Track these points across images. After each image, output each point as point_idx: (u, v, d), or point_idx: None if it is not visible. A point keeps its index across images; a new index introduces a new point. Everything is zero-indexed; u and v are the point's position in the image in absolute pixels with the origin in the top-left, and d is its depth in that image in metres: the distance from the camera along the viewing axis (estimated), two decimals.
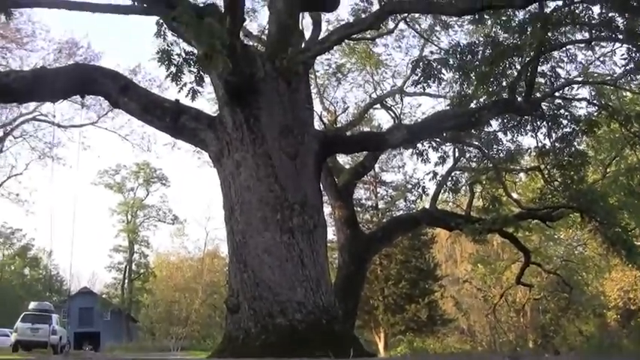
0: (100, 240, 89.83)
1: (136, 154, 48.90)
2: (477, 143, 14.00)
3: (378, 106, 19.30)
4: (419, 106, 19.01)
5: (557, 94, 11.84)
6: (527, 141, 27.67)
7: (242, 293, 8.46)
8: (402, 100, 18.56)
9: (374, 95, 19.90)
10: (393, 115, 18.36)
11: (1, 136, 25.97)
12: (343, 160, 22.23)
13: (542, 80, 11.52)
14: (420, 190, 16.13)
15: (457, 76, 11.55)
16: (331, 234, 18.17)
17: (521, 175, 18.22)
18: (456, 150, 15.09)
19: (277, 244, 8.54)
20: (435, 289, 25.73)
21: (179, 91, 9.54)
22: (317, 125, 17.14)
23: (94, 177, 49.91)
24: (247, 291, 8.41)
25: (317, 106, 18.79)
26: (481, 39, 11.54)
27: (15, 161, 33.72)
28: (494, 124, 12.87)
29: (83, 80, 9.80)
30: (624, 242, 11.71)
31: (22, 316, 23.41)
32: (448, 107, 13.55)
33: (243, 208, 8.87)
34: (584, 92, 13.37)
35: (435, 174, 14.73)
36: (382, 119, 32.14)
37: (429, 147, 13.84)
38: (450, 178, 15.76)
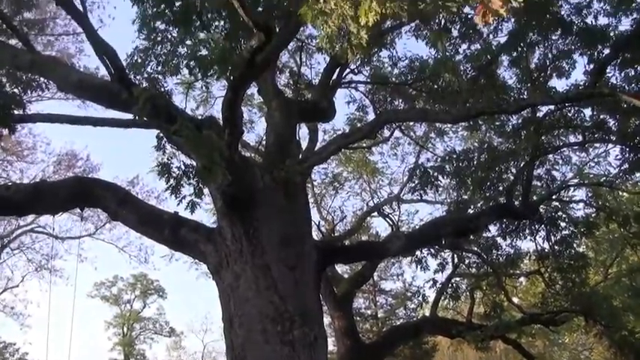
0: (95, 354, 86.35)
1: (133, 265, 48.01)
2: (475, 249, 13.87)
3: (375, 214, 19.16)
4: (416, 212, 19.10)
5: (554, 196, 11.76)
6: (527, 245, 27.38)
7: None
8: (399, 207, 18.48)
9: (371, 203, 19.98)
10: (390, 222, 18.15)
11: None
12: (342, 269, 22.02)
13: (538, 183, 11.57)
14: (420, 298, 15.71)
15: (454, 182, 11.69)
16: (331, 345, 17.54)
17: (522, 279, 17.84)
18: (455, 256, 14.87)
19: (278, 358, 8.06)
20: None
21: (178, 204, 9.27)
22: (315, 235, 17.06)
23: (90, 289, 48.62)
24: None
25: (315, 216, 18.80)
26: (476, 144, 11.75)
27: (11, 273, 33.08)
28: (493, 229, 12.78)
29: (83, 193, 9.65)
30: (632, 346, 11.16)
31: None
32: (446, 213, 13.53)
33: (243, 320, 8.46)
34: (581, 194, 13.47)
35: (435, 281, 14.61)
36: (380, 227, 32.09)
37: (427, 254, 13.72)
38: (449, 285, 15.39)
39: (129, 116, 8.98)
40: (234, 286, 8.71)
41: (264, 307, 8.42)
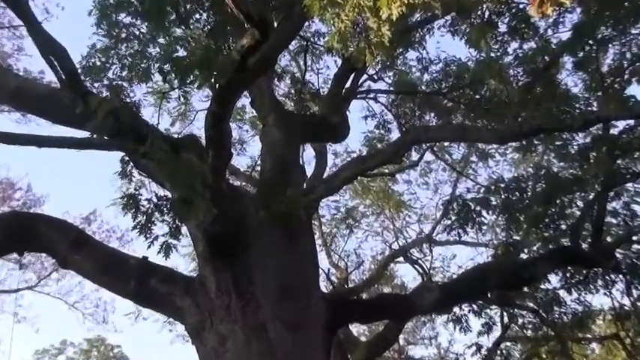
0: None
1: (88, 327, 47.03)
2: (532, 305, 13.60)
3: (400, 259, 19.00)
4: (453, 257, 18.48)
5: (634, 237, 11.43)
6: (600, 300, 26.97)
7: None
8: (431, 250, 18.35)
9: (395, 245, 19.82)
10: (420, 270, 18.03)
11: None
12: (358, 330, 21.70)
13: (613, 221, 11.32)
14: None
15: (502, 219, 11.52)
16: None
17: (595, 345, 17.49)
18: (505, 315, 14.60)
19: None
20: None
21: (149, 246, 9.17)
22: (324, 285, 16.91)
23: (29, 358, 48.01)
24: None
25: (323, 261, 18.62)
26: (530, 170, 11.51)
27: None
28: (554, 280, 12.38)
29: (22, 233, 9.37)
30: None
31: None
32: (491, 259, 13.28)
33: None
34: None
35: (479, 347, 14.20)
36: (407, 276, 31.88)
37: (469, 311, 13.42)
38: (498, 352, 15.02)
39: (85, 134, 8.87)
40: (219, 351, 8.47)
41: None
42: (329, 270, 18.38)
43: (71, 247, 9.19)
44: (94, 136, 8.61)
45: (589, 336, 15.04)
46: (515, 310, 14.07)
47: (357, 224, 19.89)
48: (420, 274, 18.07)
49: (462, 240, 15.17)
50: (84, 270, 9.72)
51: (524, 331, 14.89)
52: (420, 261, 18.44)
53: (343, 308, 10.62)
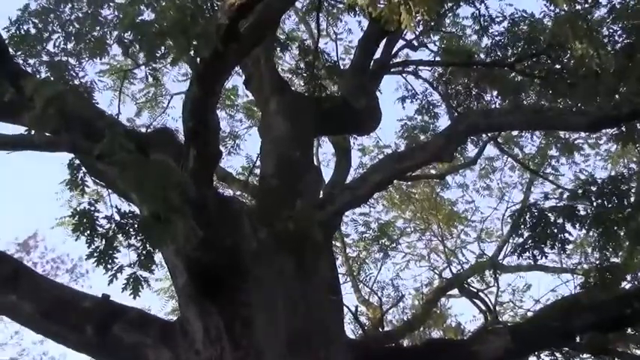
0: None
1: None
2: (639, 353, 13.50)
3: (455, 291, 19.06)
4: (528, 288, 18.22)
5: None
6: None
7: None
8: (496, 279, 18.27)
9: (447, 273, 19.90)
10: (482, 306, 17.96)
11: None
12: None
13: None
14: None
15: (594, 235, 11.28)
16: None
17: None
18: None
19: None
20: None
21: (111, 281, 9.20)
22: (350, 330, 16.85)
23: None
24: None
25: (350, 297, 18.61)
26: (633, 167, 11.38)
27: None
28: None
29: None
30: None
31: None
32: (580, 289, 13.08)
33: None
34: None
35: None
36: (465, 314, 31.74)
37: None
38: None
39: (20, 130, 9.04)
40: None
41: None
42: (357, 308, 18.21)
43: (5, 284, 9.37)
44: (32, 132, 8.77)
45: None
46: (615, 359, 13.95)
47: (394, 245, 19.97)
48: (482, 312, 18.05)
49: (540, 264, 15.12)
50: (21, 315, 9.83)
51: None
52: (481, 294, 18.42)
53: None
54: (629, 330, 12.34)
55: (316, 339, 9.01)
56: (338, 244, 18.22)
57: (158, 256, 9.51)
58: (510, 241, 14.98)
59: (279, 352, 8.65)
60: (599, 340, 12.55)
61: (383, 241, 19.24)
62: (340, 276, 16.49)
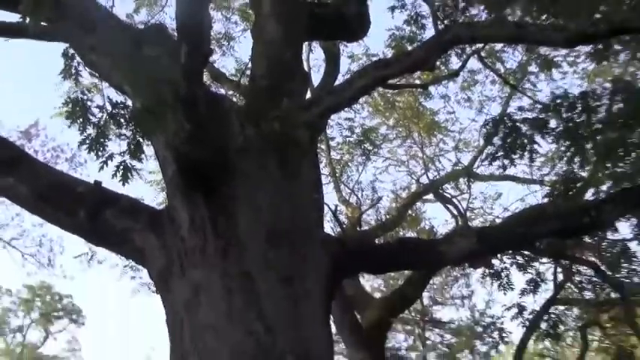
0: None
1: (29, 270, 46.93)
2: (593, 259, 13.67)
3: (430, 196, 19.21)
4: (498, 197, 18.56)
5: None
6: None
7: None
8: (469, 187, 18.51)
9: (424, 179, 19.93)
10: (454, 211, 18.26)
11: None
12: (372, 284, 22.05)
13: None
14: (495, 334, 15.72)
15: (562, 148, 11.08)
16: None
17: None
18: (558, 270, 14.95)
19: None
20: None
21: (101, 168, 9.04)
22: (330, 227, 17.03)
23: None
24: None
25: (331, 196, 18.69)
26: (607, 85, 11.23)
27: None
28: (624, 229, 12.36)
29: None
30: None
31: None
32: (547, 199, 13.08)
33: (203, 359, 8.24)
34: None
35: (522, 309, 14.50)
36: (438, 218, 32.57)
37: (512, 264, 13.57)
38: (547, 317, 15.23)
39: (15, 17, 8.61)
40: (191, 303, 8.44)
41: (238, 339, 8.14)
42: (337, 207, 18.56)
43: (5, 169, 9.27)
44: (26, 20, 8.44)
45: None
46: (573, 265, 14.28)
47: (376, 150, 20.00)
48: (454, 217, 18.36)
49: (510, 175, 15.23)
50: (21, 197, 9.65)
51: (582, 293, 15.16)
52: (455, 200, 18.71)
53: (350, 255, 10.54)
54: (586, 238, 12.48)
55: (296, 235, 8.89)
56: (323, 146, 18.49)
57: (149, 149, 9.37)
58: (485, 151, 14.93)
59: (260, 244, 8.49)
60: (558, 246, 12.63)
61: (366, 145, 19.26)
62: (323, 177, 16.73)
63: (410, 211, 19.11)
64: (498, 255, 12.91)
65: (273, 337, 8.16)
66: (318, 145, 17.03)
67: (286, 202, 9.02)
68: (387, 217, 19.05)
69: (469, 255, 11.11)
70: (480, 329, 20.84)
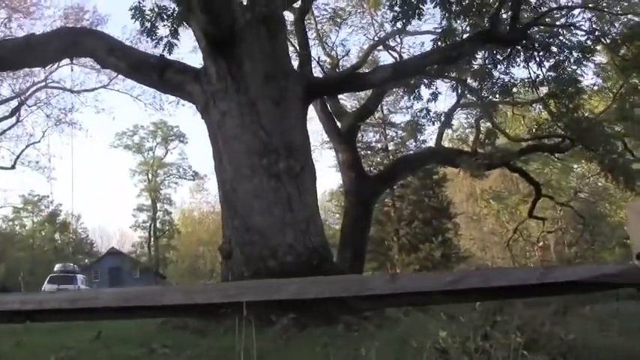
0: (125, 200, 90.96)
1: (149, 113, 48.28)
2: (457, 76, 13.84)
3: (380, 47, 19.01)
4: (422, 45, 18.38)
5: (547, 19, 11.48)
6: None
7: (234, 239, 8.77)
8: (401, 41, 18.30)
9: (376, 38, 19.41)
10: (396, 56, 18.08)
11: (16, 106, 26.07)
12: (351, 104, 22.27)
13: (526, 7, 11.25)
14: (413, 126, 15.87)
15: (441, 10, 11.14)
16: (339, 178, 18.32)
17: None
18: (459, 87, 14.82)
19: (265, 190, 8.76)
20: (449, 227, 25.92)
21: (155, 46, 9.98)
22: (318, 72, 17.18)
23: (112, 139, 50.01)
24: (239, 237, 8.72)
25: (318, 52, 18.76)
26: None
27: (32, 129, 34.28)
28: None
29: (73, 44, 10.11)
30: (621, 168, 11.67)
31: (48, 278, 24.03)
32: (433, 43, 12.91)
33: (231, 156, 9.10)
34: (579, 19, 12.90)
35: (428, 111, 14.57)
36: (387, 61, 31.68)
37: (421, 84, 13.49)
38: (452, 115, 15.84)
39: None
40: (221, 123, 9.24)
41: (250, 142, 8.98)
42: (319, 59, 18.39)
43: (108, 52, 9.84)
44: None
45: (522, 100, 15.13)
46: (458, 83, 14.27)
47: (344, 22, 19.52)
48: (394, 59, 18.04)
49: (428, 30, 15.06)
50: (119, 68, 10.38)
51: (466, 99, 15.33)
52: (395, 48, 18.53)
53: (315, 86, 11.20)
54: (466, 66, 12.37)
55: (279, 76, 9.46)
56: (311, 21, 18.09)
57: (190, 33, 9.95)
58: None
59: (259, 83, 9.17)
60: (441, 70, 12.53)
61: (336, 19, 19.15)
62: (311, 39, 16.67)
63: (370, 58, 18.68)
64: (405, 79, 12.60)
65: (270, 138, 9.00)
66: (309, 20, 17.00)
67: (272, 57, 9.50)
68: (355, 63, 18.69)
69: (387, 79, 11.62)
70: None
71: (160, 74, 9.62)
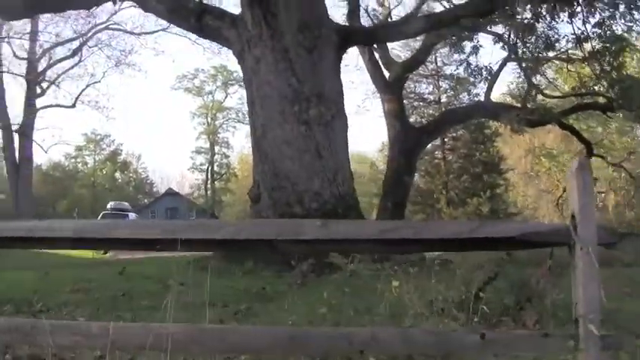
0: (185, 142, 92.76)
1: (207, 57, 48.48)
2: (501, 32, 13.23)
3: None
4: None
5: None
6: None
7: (262, 184, 9.07)
8: None
9: None
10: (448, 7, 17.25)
11: (78, 46, 26.87)
12: (404, 54, 21.75)
13: None
14: (455, 80, 15.23)
15: None
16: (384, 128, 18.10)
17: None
18: (506, 40, 13.96)
19: (295, 136, 8.97)
20: (499, 182, 25.38)
21: None
22: (366, 22, 16.82)
23: (173, 82, 50.94)
24: (267, 182, 9.00)
25: (371, 1, 18.27)
26: None
27: (93, 69, 35.18)
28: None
29: None
30: None
31: (100, 215, 24.04)
32: None
33: (264, 102, 9.31)
34: None
35: (469, 64, 13.67)
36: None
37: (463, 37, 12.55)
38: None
39: None
40: (255, 69, 9.43)
41: (282, 88, 9.16)
42: (368, 8, 17.58)
43: None
44: None
45: (564, 56, 14.03)
46: (495, 36, 13.45)
47: None
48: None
49: None
50: (159, 12, 10.64)
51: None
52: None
53: (350, 34, 11.18)
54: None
55: (314, 24, 9.50)
56: None
57: None
58: None
59: (293, 31, 9.25)
60: (476, 24, 12.08)
61: None
62: None
63: (425, 7, 18.33)
64: (439, 30, 11.91)
65: (302, 85, 9.18)
66: None
67: (308, 4, 9.60)
68: (408, 13, 18.20)
69: (420, 31, 11.47)
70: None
71: (197, 18, 9.85)
